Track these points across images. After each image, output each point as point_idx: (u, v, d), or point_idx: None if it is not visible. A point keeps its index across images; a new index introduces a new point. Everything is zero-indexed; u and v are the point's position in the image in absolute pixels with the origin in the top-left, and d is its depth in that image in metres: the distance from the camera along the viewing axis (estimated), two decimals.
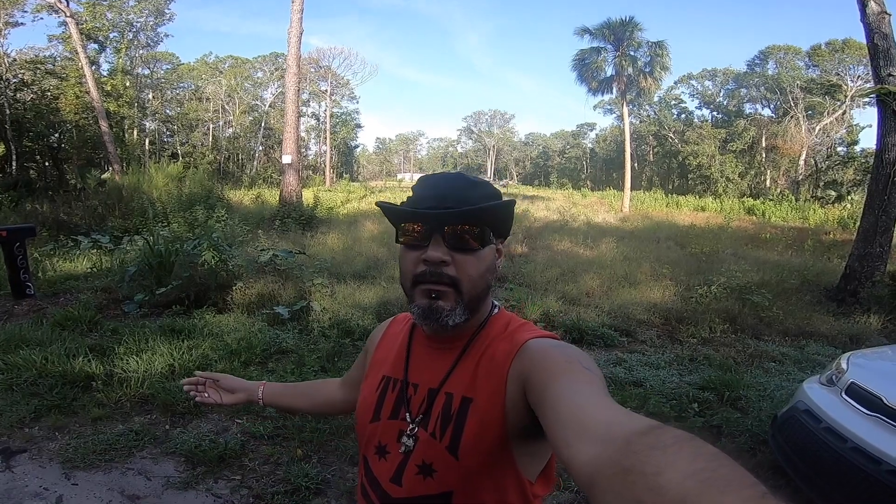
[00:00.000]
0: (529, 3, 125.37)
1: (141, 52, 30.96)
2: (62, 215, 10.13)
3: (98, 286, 6.16)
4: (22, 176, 17.86)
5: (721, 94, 45.00)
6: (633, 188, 25.19)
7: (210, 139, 37.65)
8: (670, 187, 41.62)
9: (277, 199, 13.74)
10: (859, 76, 33.69)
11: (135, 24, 29.09)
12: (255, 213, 12.66)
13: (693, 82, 46.17)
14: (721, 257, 9.54)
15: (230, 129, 39.11)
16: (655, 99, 42.23)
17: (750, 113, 41.29)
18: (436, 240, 0.76)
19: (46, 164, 20.57)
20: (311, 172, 40.70)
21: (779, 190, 32.71)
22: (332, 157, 45.17)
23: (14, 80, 20.17)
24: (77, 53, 17.95)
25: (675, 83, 45.93)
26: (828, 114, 34.66)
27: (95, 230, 9.18)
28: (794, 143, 34.57)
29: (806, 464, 2.38)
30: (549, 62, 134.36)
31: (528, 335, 0.78)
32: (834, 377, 2.61)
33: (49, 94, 21.30)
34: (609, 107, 46.93)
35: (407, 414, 0.82)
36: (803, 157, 34.66)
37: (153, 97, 33.87)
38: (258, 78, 41.90)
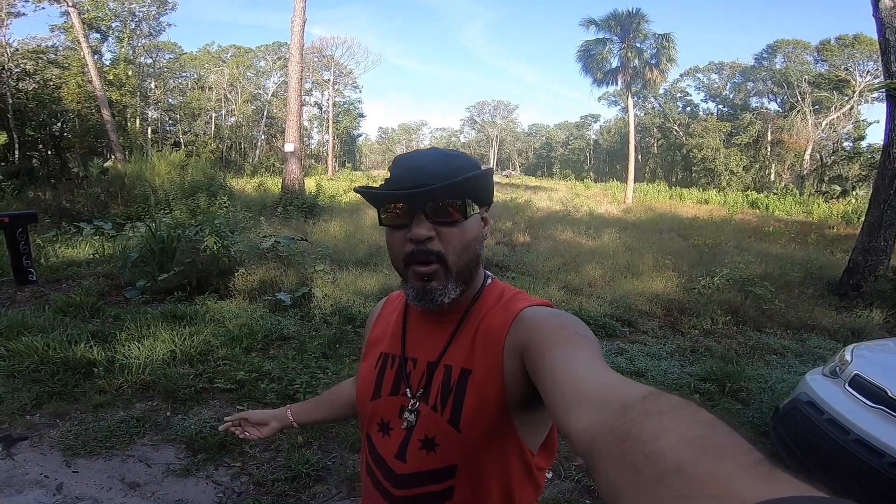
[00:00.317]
0: None
1: (143, 41, 30.80)
2: (64, 203, 10.11)
3: (100, 272, 6.16)
4: (24, 164, 17.85)
5: (727, 88, 44.62)
6: (636, 180, 25.07)
7: (212, 128, 37.53)
8: (674, 180, 41.45)
9: (280, 187, 13.70)
10: (868, 71, 33.28)
11: (137, 13, 28.93)
12: (257, 201, 12.64)
13: (699, 75, 45.82)
14: (724, 249, 9.51)
15: (232, 118, 38.97)
16: (661, 91, 41.87)
17: (756, 107, 40.92)
18: (418, 217, 0.76)
19: (49, 152, 20.56)
20: (313, 161, 40.54)
21: (783, 184, 32.55)
22: (334, 147, 44.99)
23: (16, 70, 20.12)
24: (79, 43, 17.83)
25: (681, 76, 45.62)
26: (835, 109, 34.29)
27: (98, 217, 9.17)
28: (799, 138, 34.28)
29: (807, 455, 2.38)
30: (552, 53, 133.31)
31: (523, 304, 0.79)
32: (838, 369, 2.60)
33: (51, 83, 21.25)
34: (614, 98, 46.58)
35: (407, 389, 0.82)
36: (809, 151, 34.35)
37: (155, 86, 33.74)
38: (261, 67, 41.68)
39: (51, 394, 3.21)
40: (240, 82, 38.33)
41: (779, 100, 39.57)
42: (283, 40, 38.19)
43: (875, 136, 37.63)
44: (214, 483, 2.52)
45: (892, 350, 2.94)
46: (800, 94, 35.64)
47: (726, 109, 43.20)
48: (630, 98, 24.18)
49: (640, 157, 42.91)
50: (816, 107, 35.38)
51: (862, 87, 32.78)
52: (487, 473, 0.76)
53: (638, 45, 22.16)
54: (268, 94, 40.55)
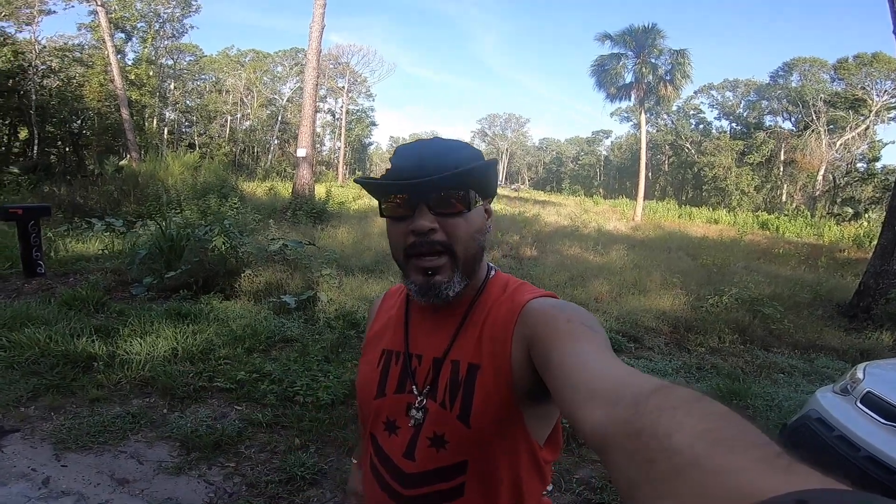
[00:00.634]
0: (547, 7, 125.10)
1: (166, 42, 31.28)
2: (78, 199, 10.26)
3: (108, 268, 6.20)
4: (42, 160, 18.21)
5: (741, 106, 44.46)
6: (646, 198, 24.99)
7: (227, 131, 38.00)
8: (684, 198, 41.25)
9: (290, 191, 13.80)
10: (886, 91, 33.08)
11: (162, 14, 29.40)
12: (267, 205, 12.74)
13: (713, 92, 45.75)
14: (732, 270, 9.40)
15: (247, 122, 39.46)
16: (674, 108, 41.84)
17: (770, 125, 40.70)
18: (421, 209, 0.75)
19: (67, 149, 20.96)
20: (324, 168, 40.90)
21: (794, 205, 32.28)
22: (345, 154, 45.36)
23: (42, 68, 20.56)
24: (104, 42, 18.17)
25: (695, 93, 45.59)
26: (850, 128, 34.04)
27: (110, 214, 9.29)
28: (813, 158, 34.02)
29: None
30: (566, 67, 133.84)
31: (529, 295, 0.77)
32: (849, 386, 2.56)
33: (74, 81, 21.70)
34: (626, 114, 46.60)
35: (413, 386, 0.80)
36: (822, 172, 34.07)
37: (174, 87, 34.23)
38: (278, 72, 42.25)
39: (48, 386, 3.19)
40: (256, 87, 38.85)
41: (793, 119, 39.33)
42: (301, 46, 38.76)
43: (890, 157, 37.34)
44: (206, 482, 2.49)
45: None
46: (815, 112, 35.43)
47: (739, 128, 42.99)
48: (643, 114, 24.15)
49: (650, 174, 42.81)
50: (831, 126, 35.14)
51: (878, 106, 32.53)
52: (497, 468, 0.75)
53: (653, 60, 22.15)
54: (283, 100, 41.03)
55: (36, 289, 5.43)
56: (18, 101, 18.39)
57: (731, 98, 45.26)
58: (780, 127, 40.04)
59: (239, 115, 38.84)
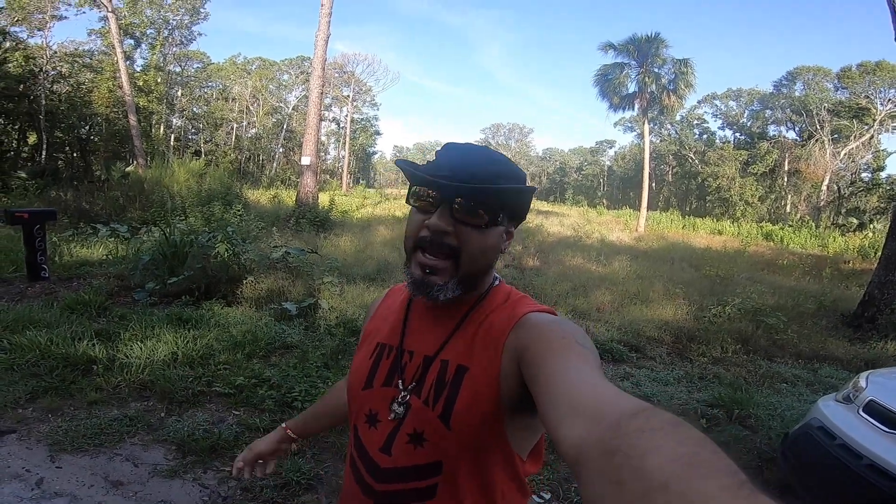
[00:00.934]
0: (552, 18, 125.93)
1: (174, 49, 31.55)
2: (84, 204, 10.35)
3: (111, 273, 6.24)
4: (50, 165, 18.38)
5: (745, 115, 44.44)
6: (649, 208, 24.91)
7: (233, 139, 38.28)
8: (688, 209, 41.16)
9: (294, 199, 13.88)
10: (890, 100, 33.00)
11: (171, 21, 29.69)
12: (271, 212, 12.80)
13: (717, 102, 45.73)
14: (736, 281, 9.36)
15: (253, 130, 39.74)
16: (677, 118, 41.86)
17: (774, 135, 40.65)
18: (443, 209, 0.75)
19: (74, 154, 21.16)
20: (328, 176, 41.08)
21: (799, 216, 32.12)
22: (349, 163, 45.58)
23: (53, 73, 20.80)
24: (114, 48, 18.36)
25: (699, 102, 45.56)
26: (854, 138, 33.93)
27: (115, 220, 9.35)
28: (817, 168, 33.92)
29: (817, 481, 2.31)
30: (570, 77, 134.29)
31: (528, 308, 0.78)
32: (851, 395, 2.55)
33: (84, 86, 21.93)
34: (629, 124, 46.76)
35: (400, 381, 0.81)
36: (826, 182, 33.94)
37: (182, 94, 34.54)
38: (284, 80, 42.60)
39: (46, 389, 3.20)
40: (262, 95, 39.18)
41: (797, 128, 39.22)
42: (307, 54, 39.19)
43: (895, 166, 37.10)
44: (201, 486, 2.48)
45: None
46: (818, 122, 35.35)
47: (743, 137, 42.91)
48: (646, 124, 24.18)
49: (654, 184, 42.75)
50: (835, 136, 35.01)
51: (883, 115, 32.45)
52: (472, 473, 0.74)
53: (656, 70, 22.17)
54: (288, 108, 41.33)
55: (39, 292, 5.46)
56: (29, 105, 18.62)
57: (735, 107, 45.26)
58: (784, 136, 39.96)
59: (245, 123, 39.14)
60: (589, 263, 10.45)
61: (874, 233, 18.52)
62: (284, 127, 39.93)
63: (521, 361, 0.70)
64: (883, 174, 33.39)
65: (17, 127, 19.75)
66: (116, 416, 2.98)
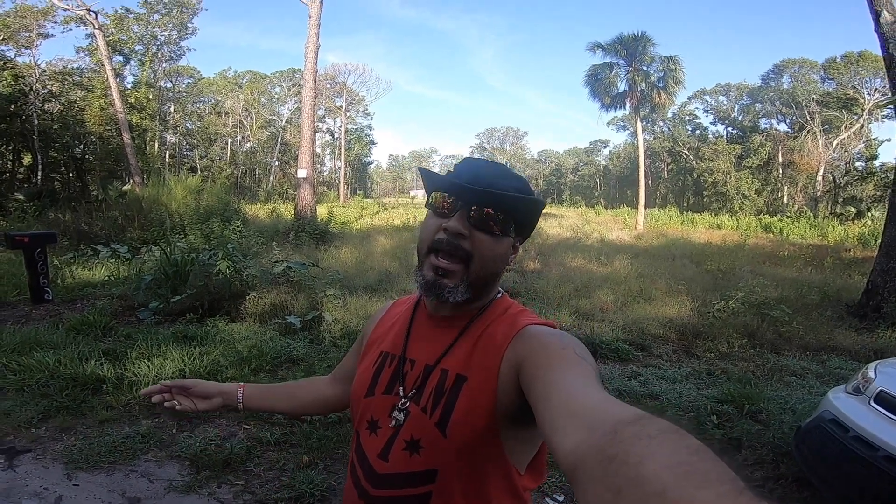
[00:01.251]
0: (543, 21, 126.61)
1: (164, 65, 31.57)
2: (83, 225, 10.35)
3: (114, 294, 6.24)
4: (46, 186, 18.38)
5: (736, 110, 44.68)
6: (647, 206, 24.95)
7: (228, 153, 38.37)
8: (685, 205, 41.25)
9: (292, 213, 13.90)
10: (876, 89, 33.15)
11: (159, 37, 29.70)
12: (270, 227, 12.82)
13: (707, 97, 45.97)
14: (738, 275, 9.37)
15: (248, 144, 39.85)
16: (669, 115, 42.03)
17: (765, 128, 40.84)
18: (461, 214, 0.79)
19: (70, 174, 21.16)
20: (325, 188, 41.15)
21: (796, 207, 32.23)
22: (346, 174, 45.68)
23: (43, 92, 20.80)
24: (103, 65, 18.36)
25: (689, 99, 45.79)
26: (845, 128, 34.10)
27: (114, 240, 9.36)
28: (811, 159, 34.05)
29: (834, 474, 2.30)
30: (562, 79, 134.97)
31: (527, 320, 0.80)
32: (861, 386, 2.54)
33: (75, 105, 21.91)
34: (622, 123, 46.97)
35: (401, 389, 0.83)
36: (821, 172, 34.06)
37: (174, 110, 34.61)
38: (275, 93, 42.76)
39: (58, 408, 3.23)
40: (255, 108, 39.29)
41: (788, 120, 39.44)
42: (298, 66, 39.30)
43: (887, 154, 37.22)
44: (217, 500, 2.49)
45: None
46: (808, 113, 35.54)
47: (735, 132, 43.12)
48: (639, 122, 24.29)
49: (650, 182, 42.86)
50: (826, 126, 35.19)
51: (871, 104, 32.63)
52: (466, 484, 0.75)
53: (645, 68, 22.29)
54: (282, 121, 41.48)
55: (44, 315, 5.47)
56: (21, 125, 18.62)
57: (725, 102, 45.50)
58: (776, 129, 40.14)
59: (239, 138, 39.25)
60: (590, 264, 10.46)
61: (873, 220, 18.56)
62: (279, 140, 40.05)
63: (520, 372, 0.71)
64: (877, 162, 33.53)
65: (11, 148, 19.76)
66: (129, 434, 2.99)
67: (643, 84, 22.16)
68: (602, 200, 52.96)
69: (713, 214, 29.61)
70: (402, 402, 0.81)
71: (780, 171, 37.71)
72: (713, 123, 46.53)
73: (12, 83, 18.38)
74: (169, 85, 33.65)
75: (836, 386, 3.05)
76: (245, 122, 39.13)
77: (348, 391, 0.95)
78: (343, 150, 42.78)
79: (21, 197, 15.26)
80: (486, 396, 0.74)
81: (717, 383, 4.36)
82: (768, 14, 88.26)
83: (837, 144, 34.48)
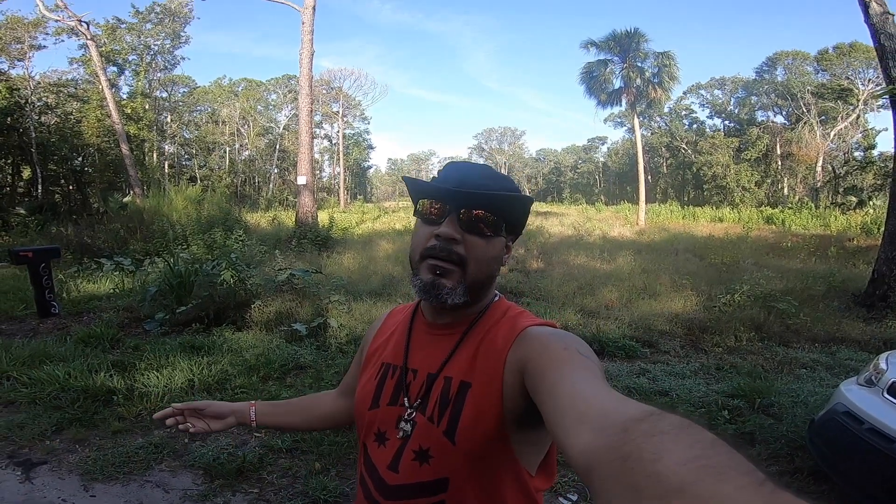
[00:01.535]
0: (534, 20, 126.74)
1: (159, 74, 31.55)
2: (86, 238, 10.36)
3: (120, 306, 6.26)
4: (47, 199, 18.37)
5: (732, 103, 44.67)
6: (647, 201, 24.94)
7: (227, 162, 38.39)
8: (686, 199, 41.19)
9: (293, 220, 13.91)
10: (870, 79, 33.16)
11: (152, 47, 29.65)
12: (271, 235, 12.83)
13: (702, 92, 45.96)
14: (742, 267, 9.37)
15: (246, 152, 39.86)
16: (666, 110, 42.03)
17: (762, 120, 40.83)
18: (451, 219, 0.78)
19: (70, 187, 21.14)
20: (325, 194, 41.15)
21: (797, 198, 32.18)
22: (345, 179, 45.72)
23: (39, 104, 20.78)
24: (98, 76, 18.33)
25: (685, 93, 45.78)
26: (841, 118, 34.08)
27: (118, 253, 9.37)
28: (809, 150, 34.04)
29: (850, 466, 2.29)
30: (557, 77, 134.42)
31: (528, 322, 0.79)
32: (873, 377, 2.54)
33: (72, 117, 21.88)
34: (620, 119, 46.93)
35: (405, 399, 0.82)
36: (820, 163, 34.03)
37: (171, 120, 34.62)
38: (272, 100, 42.78)
39: (71, 420, 3.25)
40: (252, 116, 39.32)
41: (784, 112, 39.38)
42: (293, 73, 39.35)
43: (885, 144, 37.12)
44: None
45: None
46: (804, 105, 35.55)
47: (732, 125, 43.08)
48: (636, 118, 24.30)
49: (650, 177, 42.81)
50: (823, 117, 35.17)
51: (865, 94, 32.62)
52: (479, 490, 0.75)
53: (639, 64, 22.31)
54: (279, 128, 41.50)
55: (51, 328, 5.49)
56: (19, 139, 18.59)
57: (721, 96, 45.47)
58: (773, 121, 40.11)
59: (237, 146, 39.27)
60: (593, 261, 10.46)
61: (875, 209, 18.49)
62: (277, 147, 40.07)
63: (525, 374, 0.70)
64: (875, 152, 33.46)
65: (10, 161, 19.75)
66: (142, 444, 3.01)
67: (638, 80, 22.18)
68: (602, 197, 52.93)
69: (714, 208, 29.59)
70: (409, 413, 0.80)
71: (780, 163, 37.68)
72: (710, 117, 46.52)
73: (7, 96, 18.35)
74: (165, 94, 33.69)
75: (846, 377, 3.05)
76: (242, 130, 39.16)
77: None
78: (341, 155, 42.81)
79: (23, 211, 15.29)
80: (492, 401, 0.74)
81: (726, 378, 4.36)
82: (759, 6, 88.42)
83: (835, 135, 34.46)
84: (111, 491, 2.59)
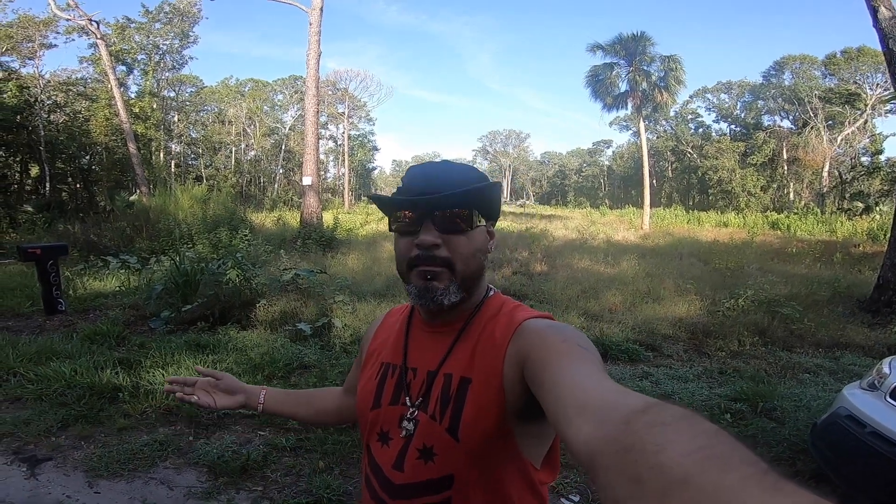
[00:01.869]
0: (535, 22, 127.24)
1: (167, 74, 31.58)
2: (92, 236, 10.43)
3: (126, 303, 6.30)
4: (55, 197, 18.50)
5: (738, 107, 44.52)
6: (652, 205, 24.89)
7: (232, 162, 38.51)
8: (691, 203, 41.12)
9: (298, 220, 13.95)
10: (878, 84, 32.97)
11: (161, 46, 29.71)
12: (276, 235, 12.87)
13: (709, 96, 45.85)
14: (746, 272, 9.32)
15: (252, 152, 39.97)
16: (671, 114, 41.92)
17: (769, 125, 40.66)
18: (426, 225, 0.78)
19: (77, 185, 21.29)
20: (330, 195, 41.22)
21: (803, 203, 32.02)
22: (350, 180, 45.81)
23: (48, 102, 20.94)
24: (107, 75, 18.43)
25: (691, 97, 45.68)
26: (849, 123, 33.89)
27: (124, 251, 9.43)
28: (816, 155, 33.85)
29: (852, 470, 2.30)
30: (561, 80, 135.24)
31: (525, 315, 0.79)
32: (876, 381, 2.55)
33: (81, 115, 22.02)
34: (625, 123, 46.87)
35: (407, 398, 0.83)
36: (826, 168, 33.86)
37: (178, 119, 34.75)
38: (278, 100, 42.88)
39: (76, 417, 3.27)
40: (258, 116, 39.44)
41: (791, 117, 39.17)
42: (299, 73, 39.47)
43: (893, 149, 36.92)
44: None
45: None
46: (811, 109, 35.34)
47: (739, 129, 42.91)
48: (641, 122, 24.23)
49: (654, 181, 42.69)
50: (830, 122, 34.98)
51: (873, 99, 32.43)
52: (485, 485, 0.75)
53: (645, 67, 22.28)
54: (285, 128, 41.59)
55: (58, 325, 5.53)
56: (28, 137, 18.73)
57: (727, 100, 45.34)
58: (779, 126, 39.92)
59: (243, 146, 39.37)
60: (597, 265, 10.44)
61: (881, 215, 18.38)
62: (283, 147, 40.18)
63: (524, 368, 0.70)
64: (882, 157, 33.29)
65: (18, 159, 19.91)
66: (147, 442, 3.03)
67: (644, 84, 22.15)
68: (607, 201, 52.85)
69: (719, 212, 29.51)
70: (411, 412, 0.81)
71: (786, 168, 37.52)
72: (716, 121, 46.41)
73: (17, 94, 18.51)
74: (172, 94, 33.80)
75: (850, 382, 3.04)
76: (248, 130, 39.28)
77: None
78: (346, 156, 42.91)
79: (30, 209, 15.44)
80: (493, 396, 0.74)
81: (729, 382, 4.35)
82: (766, 10, 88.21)
83: (842, 140, 34.27)
84: (115, 488, 2.61)
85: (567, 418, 0.52)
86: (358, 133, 48.72)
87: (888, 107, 31.48)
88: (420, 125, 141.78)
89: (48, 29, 22.54)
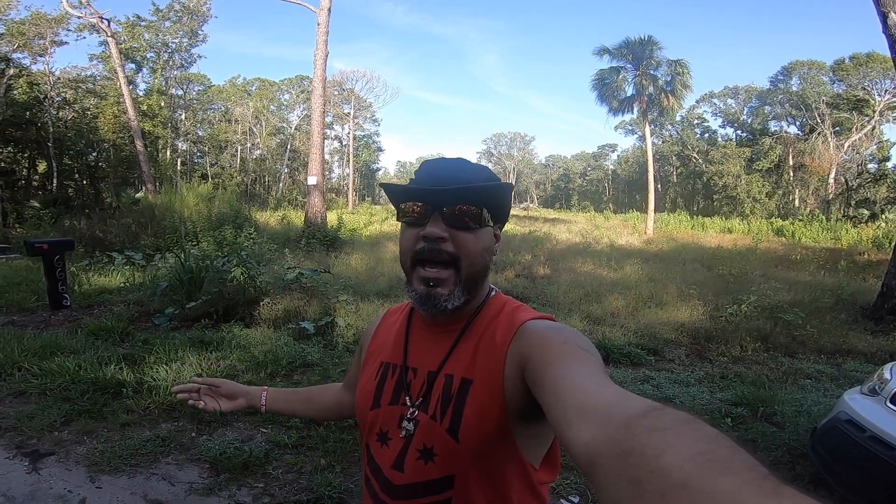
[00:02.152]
0: (543, 25, 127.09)
1: (175, 72, 31.69)
2: (98, 232, 10.52)
3: (130, 300, 6.34)
4: (61, 193, 18.63)
5: (745, 112, 44.38)
6: (656, 210, 24.78)
7: (238, 161, 38.69)
8: (695, 209, 40.96)
9: (302, 220, 14.00)
10: (886, 90, 32.83)
11: (170, 44, 29.84)
12: (281, 234, 12.93)
13: (715, 100, 45.73)
14: (750, 278, 9.30)
15: (257, 151, 40.14)
16: (678, 118, 41.83)
17: (775, 131, 40.50)
18: (434, 218, 0.77)
19: (84, 182, 21.42)
20: (334, 195, 41.34)
21: (808, 209, 31.87)
22: (354, 180, 45.90)
23: (57, 99, 21.11)
24: (116, 73, 18.57)
25: (697, 102, 45.60)
26: (856, 130, 33.72)
27: (129, 247, 9.51)
28: (822, 161, 33.69)
29: (851, 474, 2.30)
30: (567, 83, 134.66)
31: (527, 316, 0.79)
32: (877, 387, 2.56)
33: (89, 112, 22.18)
34: (630, 127, 46.83)
35: (407, 398, 0.82)
36: (833, 175, 33.68)
37: (185, 118, 34.90)
38: (284, 100, 43.05)
39: (80, 412, 3.30)
40: (264, 115, 39.61)
41: (798, 122, 39.04)
42: (305, 73, 39.63)
43: None
44: (237, 503, 2.52)
45: None
46: (819, 115, 35.19)
47: (745, 135, 42.75)
48: (647, 126, 24.20)
49: (659, 186, 42.60)
50: (837, 128, 34.80)
51: (881, 105, 32.26)
52: (485, 485, 0.75)
53: (652, 72, 22.21)
54: (291, 128, 41.76)
55: (62, 320, 5.57)
56: (37, 133, 18.88)
57: (734, 105, 45.22)
58: (786, 131, 39.77)
59: (249, 145, 39.56)
60: (600, 269, 10.43)
61: (887, 223, 18.27)
62: (288, 147, 40.33)
63: (525, 369, 0.70)
64: (889, 164, 33.11)
65: (26, 155, 20.06)
66: (149, 437, 3.05)
67: (651, 88, 22.11)
68: (611, 205, 52.75)
69: (724, 218, 29.40)
70: (411, 412, 0.80)
71: (791, 174, 37.36)
72: (722, 126, 46.30)
73: (28, 91, 18.68)
74: (180, 92, 33.94)
75: (851, 388, 3.04)
76: (255, 130, 39.45)
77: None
78: (351, 156, 43.02)
79: (37, 204, 15.56)
80: (494, 397, 0.74)
81: (730, 386, 4.35)
82: (775, 15, 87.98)
83: (849, 146, 34.11)
84: (117, 483, 2.62)
85: (567, 421, 0.52)
86: (363, 133, 48.85)
87: None
88: (425, 127, 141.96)
89: (60, 26, 22.73)
